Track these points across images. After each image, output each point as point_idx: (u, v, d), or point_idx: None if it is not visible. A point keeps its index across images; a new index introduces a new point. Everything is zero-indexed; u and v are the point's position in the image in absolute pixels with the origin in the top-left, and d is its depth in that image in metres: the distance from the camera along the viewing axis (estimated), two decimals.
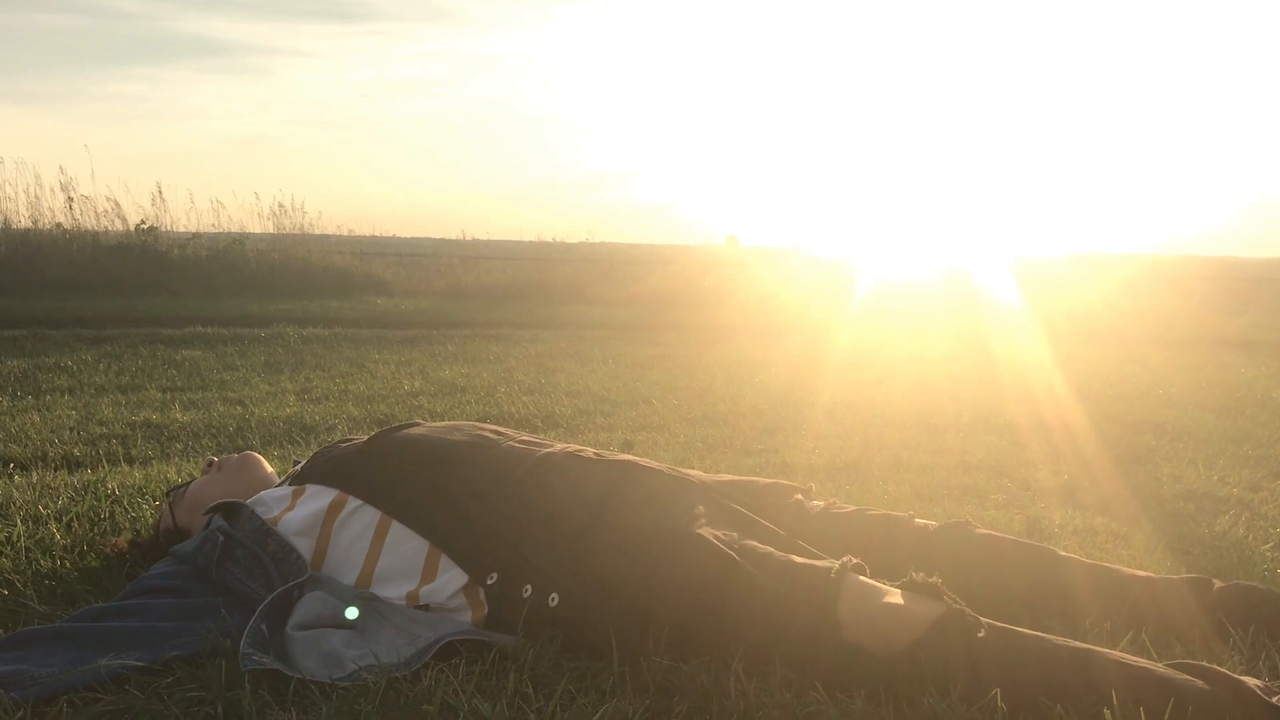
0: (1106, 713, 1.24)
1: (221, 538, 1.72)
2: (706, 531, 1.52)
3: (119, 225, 12.17)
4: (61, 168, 12.81)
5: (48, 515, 2.22)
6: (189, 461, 3.07)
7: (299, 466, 1.92)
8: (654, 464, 1.79)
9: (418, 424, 1.93)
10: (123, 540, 2.01)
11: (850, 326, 9.61)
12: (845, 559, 1.46)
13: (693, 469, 1.95)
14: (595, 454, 1.80)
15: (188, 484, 2.07)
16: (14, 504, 2.29)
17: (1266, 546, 2.27)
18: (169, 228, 12.57)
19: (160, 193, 12.78)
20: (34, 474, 2.75)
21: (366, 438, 1.91)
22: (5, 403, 4.09)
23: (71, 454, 3.18)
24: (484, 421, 2.10)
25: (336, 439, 2.12)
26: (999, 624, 1.39)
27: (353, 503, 1.73)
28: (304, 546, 1.70)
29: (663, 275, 13.38)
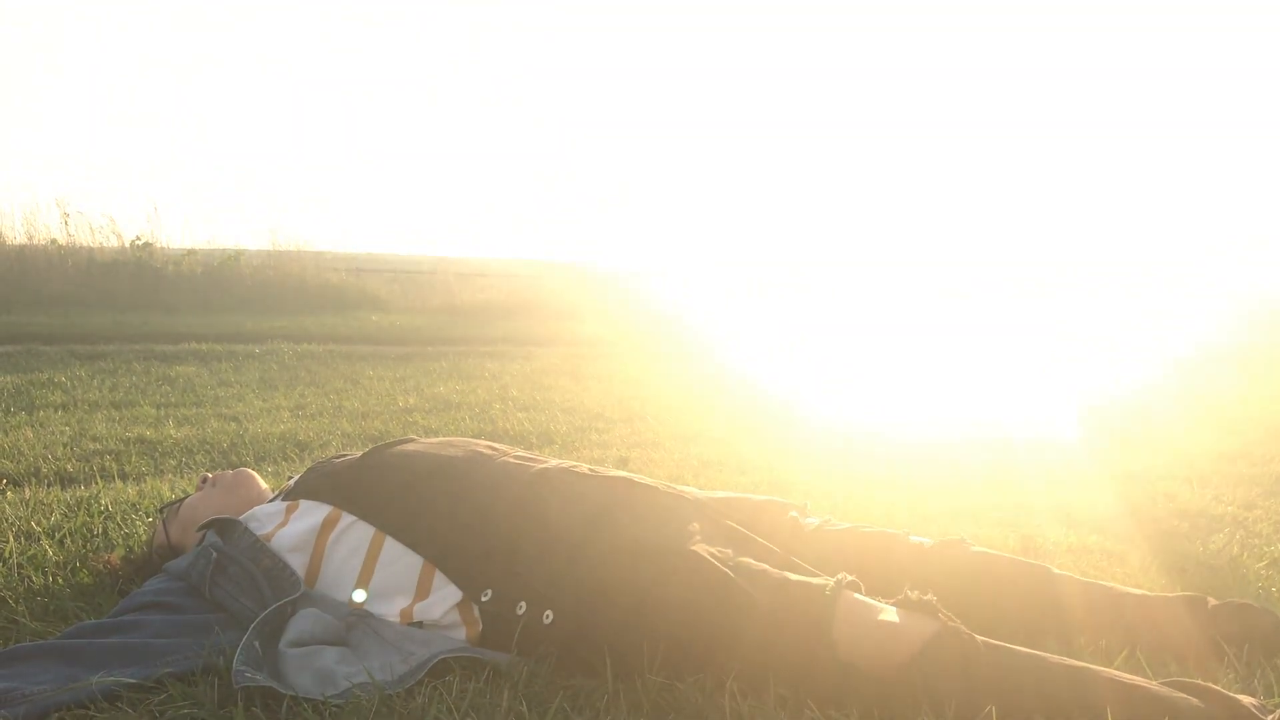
0: None
1: (215, 554, 1.72)
2: (701, 548, 1.52)
3: (114, 241, 12.17)
4: (58, 184, 12.86)
5: (40, 531, 2.21)
6: (183, 478, 3.06)
7: (293, 482, 1.92)
8: (649, 481, 1.79)
9: (412, 440, 1.93)
10: (115, 556, 2.00)
11: (848, 341, 9.63)
12: (840, 576, 1.46)
13: (688, 486, 1.95)
14: (590, 470, 1.80)
15: (181, 500, 2.06)
16: (6, 520, 2.28)
17: (1261, 565, 2.27)
18: (165, 243, 12.57)
19: (156, 209, 12.82)
20: (27, 490, 2.74)
21: (361, 453, 1.91)
22: None
23: (65, 470, 3.16)
24: (479, 438, 2.10)
25: (330, 455, 2.11)
26: (994, 642, 1.39)
27: (346, 519, 1.73)
28: (297, 563, 1.69)
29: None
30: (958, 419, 4.80)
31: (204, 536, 1.82)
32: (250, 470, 2.12)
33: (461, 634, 1.59)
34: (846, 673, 1.36)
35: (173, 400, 4.79)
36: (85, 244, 11.94)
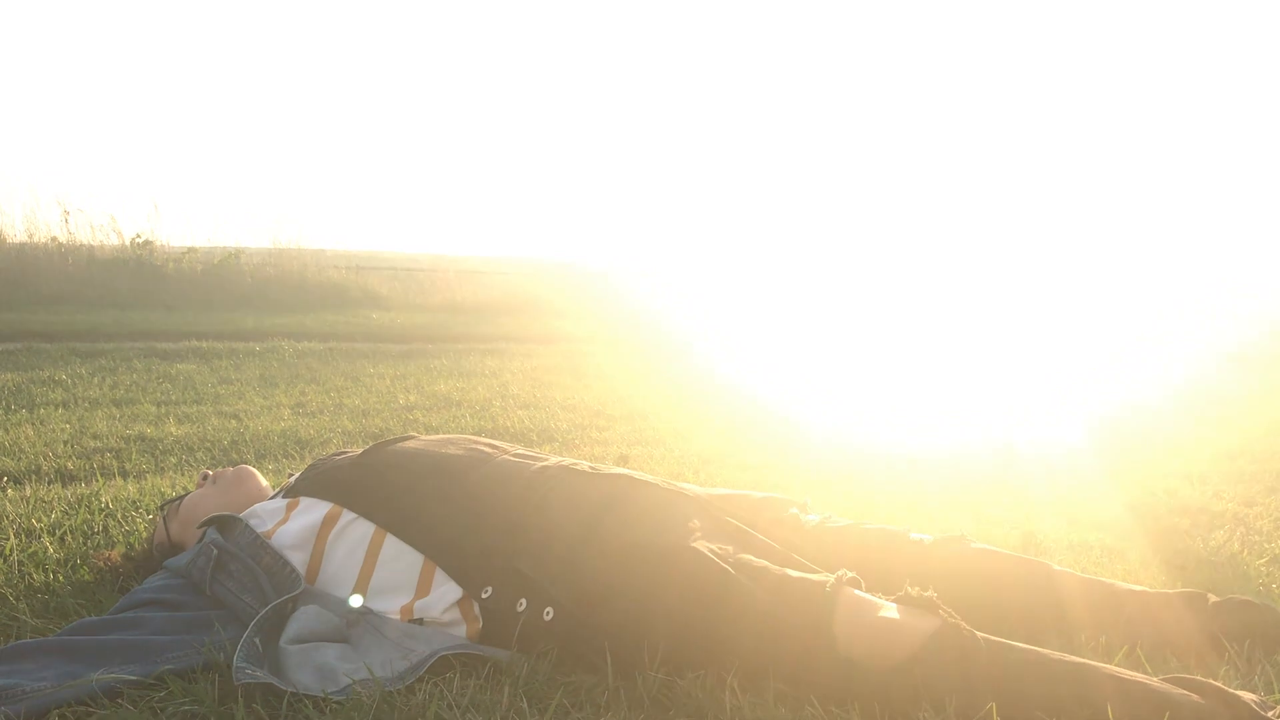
0: None
1: (215, 551, 1.72)
2: (702, 545, 1.52)
3: (115, 239, 12.16)
4: (58, 181, 12.87)
5: (41, 529, 2.21)
6: (183, 475, 3.06)
7: (293, 479, 1.92)
8: (650, 478, 1.79)
9: (412, 437, 1.93)
10: (116, 554, 2.00)
11: (850, 341, 9.63)
12: (840, 573, 1.46)
13: (688, 483, 1.95)
14: (591, 468, 1.80)
15: (182, 497, 2.06)
16: (7, 517, 2.28)
17: (1261, 561, 2.27)
18: (165, 241, 12.55)
19: (156, 207, 12.83)
20: (27, 487, 2.74)
21: (361, 451, 1.91)
22: None
23: (65, 467, 3.17)
24: (479, 435, 2.10)
25: (331, 452, 2.11)
26: (994, 638, 1.39)
27: (347, 516, 1.73)
28: (298, 560, 1.69)
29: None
30: (959, 418, 4.80)
31: (204, 533, 1.82)
32: (251, 467, 2.12)
33: (462, 631, 1.59)
34: (847, 669, 1.36)
35: (173, 398, 4.79)
36: (85, 242, 11.94)
